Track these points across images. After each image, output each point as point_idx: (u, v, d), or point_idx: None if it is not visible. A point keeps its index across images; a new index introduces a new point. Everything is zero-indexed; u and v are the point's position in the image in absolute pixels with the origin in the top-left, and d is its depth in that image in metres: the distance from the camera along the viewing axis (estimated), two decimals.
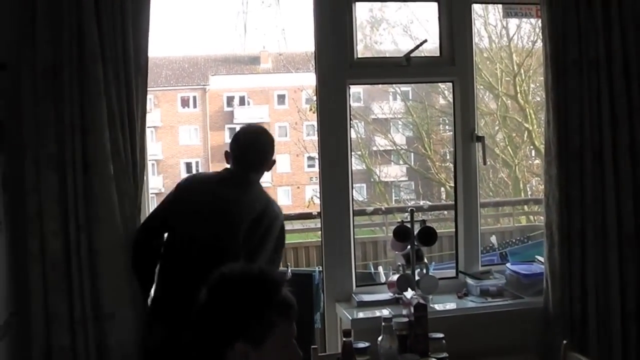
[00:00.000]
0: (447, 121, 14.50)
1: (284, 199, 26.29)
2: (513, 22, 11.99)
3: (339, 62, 3.60)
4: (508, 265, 3.86)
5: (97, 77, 3.10)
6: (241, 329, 1.87)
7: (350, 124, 3.65)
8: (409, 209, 3.63)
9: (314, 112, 12.08)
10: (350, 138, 3.65)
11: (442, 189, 15.38)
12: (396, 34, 12.01)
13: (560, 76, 3.52)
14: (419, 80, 5.42)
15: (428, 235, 3.55)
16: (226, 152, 3.39)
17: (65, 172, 3.08)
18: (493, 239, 7.09)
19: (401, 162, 17.69)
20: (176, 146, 32.34)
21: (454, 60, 3.75)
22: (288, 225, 4.18)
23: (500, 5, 3.87)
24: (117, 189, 3.14)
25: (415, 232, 3.56)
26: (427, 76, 4.16)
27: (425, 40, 3.80)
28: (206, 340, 1.90)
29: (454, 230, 3.92)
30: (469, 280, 3.73)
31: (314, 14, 3.57)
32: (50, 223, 3.07)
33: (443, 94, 13.24)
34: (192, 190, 3.32)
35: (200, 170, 34.13)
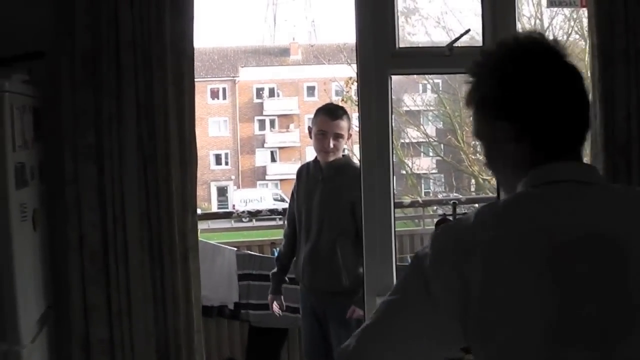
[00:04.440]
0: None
1: None
2: (546, 14, 11.89)
3: (380, 52, 3.50)
4: None
5: (129, 64, 3.05)
6: None
7: (392, 115, 3.56)
8: (451, 202, 3.55)
9: (345, 102, 12.08)
10: (392, 130, 3.56)
11: (473, 181, 15.36)
12: (429, 26, 11.92)
13: (607, 67, 3.41)
14: (462, 71, 5.29)
15: None
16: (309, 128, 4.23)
17: (103, 163, 3.03)
18: None
19: (431, 154, 17.63)
20: (206, 137, 32.58)
21: None
22: None
23: None
24: (159, 180, 3.09)
25: None
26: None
27: (469, 30, 3.69)
28: None
29: None
30: None
31: (355, 2, 3.49)
32: (89, 214, 3.03)
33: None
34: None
35: (230, 162, 34.35)
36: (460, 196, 11.23)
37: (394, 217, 3.62)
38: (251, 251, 5.91)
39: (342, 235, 4.04)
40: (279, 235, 6.84)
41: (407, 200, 8.01)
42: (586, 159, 2.18)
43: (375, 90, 3.50)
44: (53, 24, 3.03)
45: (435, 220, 3.59)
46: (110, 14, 3.02)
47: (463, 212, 3.55)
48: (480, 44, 3.68)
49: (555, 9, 11.50)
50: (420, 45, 7.96)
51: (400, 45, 3.59)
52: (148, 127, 3.10)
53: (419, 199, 8.88)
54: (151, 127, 3.10)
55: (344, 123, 4.15)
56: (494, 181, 12.96)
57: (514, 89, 1.54)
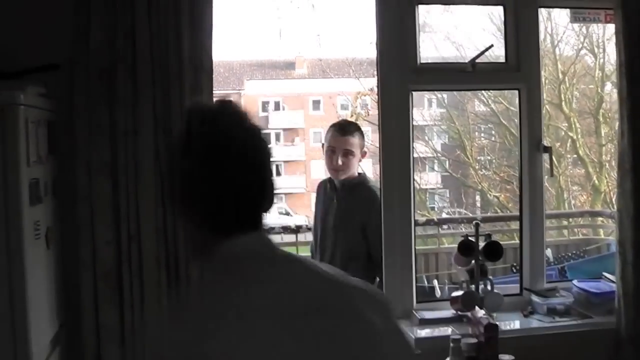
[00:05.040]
0: (482, 128, 14.43)
1: None
2: (560, 28, 11.82)
3: (401, 66, 3.43)
4: (575, 282, 3.66)
5: (145, 78, 2.98)
6: None
7: (413, 132, 3.48)
8: (474, 223, 3.46)
9: (353, 117, 11.98)
10: (413, 147, 3.49)
11: (478, 197, 15.23)
12: (437, 40, 11.85)
13: (635, 84, 3.34)
14: (484, 87, 5.24)
15: (494, 251, 3.38)
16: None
17: (117, 179, 2.95)
18: (548, 252, 6.87)
19: (437, 168, 17.56)
20: None
21: (519, 66, 3.57)
22: None
23: (567, 10, 3.67)
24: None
25: (480, 247, 3.38)
26: (491, 83, 3.98)
27: (492, 45, 3.62)
28: None
29: (514, 242, 3.74)
30: (535, 298, 3.54)
31: (376, 16, 3.41)
32: (102, 231, 2.95)
33: (484, 100, 13.09)
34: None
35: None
36: (477, 215, 11.01)
37: (415, 236, 3.55)
38: None
39: (353, 260, 3.80)
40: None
41: (421, 219, 7.86)
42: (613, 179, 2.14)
43: (395, 107, 3.43)
44: (69, 37, 2.96)
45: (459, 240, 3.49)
46: (127, 27, 2.96)
47: (486, 232, 3.45)
48: (503, 59, 3.61)
49: (566, 25, 11.43)
50: (433, 61, 7.80)
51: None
52: (165, 142, 3.02)
53: (435, 217, 8.71)
54: (168, 142, 3.02)
55: (354, 140, 3.87)
56: (502, 198, 13.02)
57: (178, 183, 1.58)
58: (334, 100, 26.18)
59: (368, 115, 12.37)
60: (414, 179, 3.49)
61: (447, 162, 15.62)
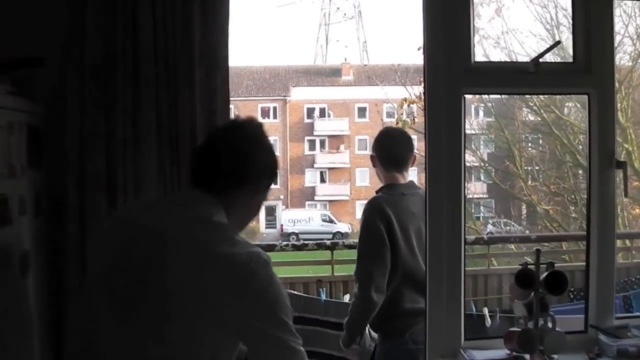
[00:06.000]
0: (529, 138, 13.95)
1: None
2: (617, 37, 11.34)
3: (452, 67, 2.95)
4: None
5: (149, 78, 2.59)
6: None
7: (465, 140, 3.00)
8: (534, 249, 2.97)
9: (398, 124, 11.59)
10: (465, 156, 3.00)
11: (524, 209, 14.73)
12: (488, 46, 11.38)
13: None
14: (547, 91, 4.71)
15: (557, 282, 2.87)
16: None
17: (115, 194, 2.53)
18: None
19: (482, 178, 17.12)
20: None
21: (590, 68, 3.06)
22: None
23: None
24: None
25: (541, 277, 2.89)
26: (556, 87, 3.46)
27: (559, 42, 3.14)
28: None
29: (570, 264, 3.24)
30: (603, 338, 3.04)
31: (423, 9, 2.94)
32: None
33: (535, 109, 12.62)
34: None
35: (279, 181, 34.17)
36: (531, 234, 10.36)
37: (465, 257, 3.08)
38: (294, 289, 5.37)
39: None
40: (326, 271, 6.29)
41: (470, 237, 7.31)
42: None
43: (445, 112, 2.95)
44: (59, 28, 2.56)
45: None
46: (127, 17, 2.56)
47: (547, 260, 2.96)
48: (571, 59, 3.11)
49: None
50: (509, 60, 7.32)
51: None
52: (171, 153, 2.60)
53: (484, 236, 8.13)
54: (174, 154, 2.60)
55: None
56: (552, 212, 12.47)
57: None
58: (380, 108, 25.89)
59: (414, 122, 11.98)
60: (465, 192, 3.02)
61: (492, 172, 15.18)
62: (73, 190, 2.54)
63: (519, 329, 2.92)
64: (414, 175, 3.94)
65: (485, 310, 4.79)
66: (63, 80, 2.55)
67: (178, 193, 2.28)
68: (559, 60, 3.30)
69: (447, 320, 3.01)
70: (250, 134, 2.09)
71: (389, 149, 3.61)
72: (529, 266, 2.92)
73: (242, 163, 2.04)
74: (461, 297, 3.05)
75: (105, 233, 2.05)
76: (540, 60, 3.04)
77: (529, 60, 3.12)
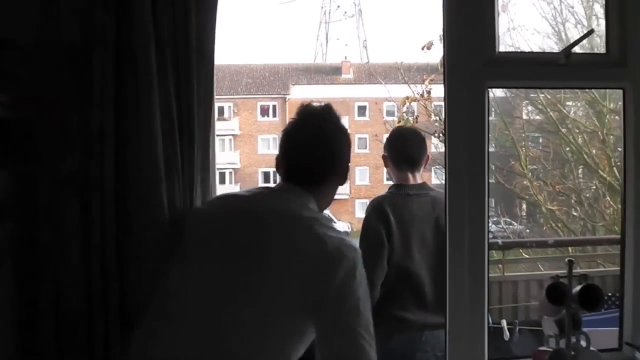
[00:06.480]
0: (530, 137, 13.70)
1: (361, 212, 25.81)
2: None
3: (474, 57, 2.64)
4: None
5: (148, 65, 2.26)
6: None
7: (488, 136, 2.69)
8: (566, 260, 2.66)
9: (400, 123, 11.31)
10: (488, 154, 2.70)
11: (524, 207, 14.52)
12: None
13: None
14: (578, 85, 4.38)
15: (592, 298, 2.57)
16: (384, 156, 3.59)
17: (89, 197, 2.22)
18: None
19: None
20: (254, 155, 32.54)
21: (625, 60, 2.76)
22: None
23: None
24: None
25: (574, 291, 2.59)
26: (588, 80, 3.14)
27: (592, 31, 2.84)
28: None
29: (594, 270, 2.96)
30: None
31: None
32: (69, 265, 2.22)
33: (537, 106, 12.35)
34: None
35: (278, 181, 33.81)
36: (549, 238, 10.01)
37: (488, 264, 2.78)
38: None
39: None
40: None
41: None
42: None
43: (467, 107, 2.64)
44: (34, 7, 2.25)
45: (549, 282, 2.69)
46: None
47: (581, 271, 2.67)
48: (604, 50, 2.81)
49: None
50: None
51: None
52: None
53: (499, 240, 7.79)
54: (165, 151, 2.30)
55: None
56: (558, 212, 12.19)
57: None
58: (380, 106, 25.70)
59: (417, 122, 11.72)
60: (488, 195, 2.71)
61: (492, 170, 14.95)
62: (44, 192, 2.23)
63: (549, 349, 2.63)
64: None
65: (504, 323, 4.50)
66: (35, 65, 2.23)
67: (272, 186, 2.32)
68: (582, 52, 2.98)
69: (471, 333, 2.73)
70: (335, 128, 2.31)
71: (401, 149, 3.56)
72: (562, 278, 2.62)
73: (333, 159, 2.28)
74: (485, 308, 2.75)
75: (205, 214, 2.22)
76: (572, 51, 2.74)
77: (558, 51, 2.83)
